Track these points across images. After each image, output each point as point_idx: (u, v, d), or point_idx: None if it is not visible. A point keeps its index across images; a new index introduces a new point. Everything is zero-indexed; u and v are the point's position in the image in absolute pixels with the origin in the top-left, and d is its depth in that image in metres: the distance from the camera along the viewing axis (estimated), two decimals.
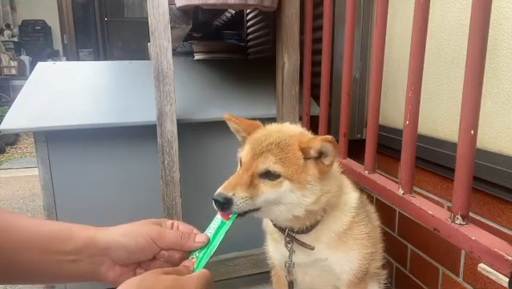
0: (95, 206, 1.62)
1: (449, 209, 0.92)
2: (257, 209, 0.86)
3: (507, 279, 0.73)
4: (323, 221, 0.99)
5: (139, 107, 1.64)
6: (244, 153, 0.90)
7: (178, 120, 1.49)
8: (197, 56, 2.28)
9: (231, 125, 1.03)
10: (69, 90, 1.70)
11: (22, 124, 1.50)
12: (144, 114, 1.59)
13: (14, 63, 7.29)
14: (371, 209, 1.19)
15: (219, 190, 0.81)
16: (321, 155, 0.89)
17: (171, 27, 1.43)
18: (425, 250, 1.47)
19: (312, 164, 0.89)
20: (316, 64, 1.65)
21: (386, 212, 1.56)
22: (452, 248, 1.32)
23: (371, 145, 1.21)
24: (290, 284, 1.06)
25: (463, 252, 1.28)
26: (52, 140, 1.56)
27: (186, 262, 0.73)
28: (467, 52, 0.80)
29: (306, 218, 0.95)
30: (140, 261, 0.71)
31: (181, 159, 1.51)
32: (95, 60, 6.97)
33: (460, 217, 0.85)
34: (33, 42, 7.54)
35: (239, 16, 3.11)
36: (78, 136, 1.58)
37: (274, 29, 1.75)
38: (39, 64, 1.86)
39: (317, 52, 1.63)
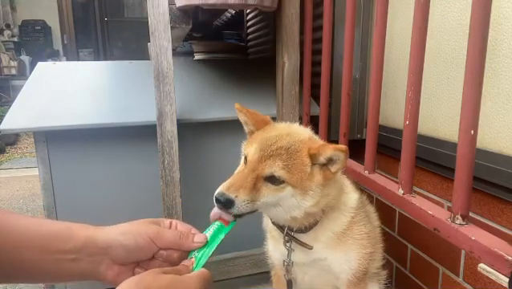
0: (95, 206, 1.62)
1: (449, 209, 0.92)
2: (255, 211, 0.86)
3: (507, 279, 0.73)
4: (322, 221, 0.99)
5: (139, 107, 1.64)
6: (251, 152, 0.88)
7: (178, 120, 1.49)
8: (197, 56, 2.28)
9: (241, 117, 1.02)
10: (69, 90, 1.70)
11: (22, 124, 1.50)
12: (144, 114, 1.59)
13: (14, 63, 7.28)
14: (371, 209, 1.19)
15: (222, 189, 0.81)
16: (329, 162, 0.88)
17: (171, 27, 1.43)
18: (425, 250, 1.47)
19: (318, 171, 0.89)
20: (316, 64, 1.65)
21: (386, 212, 1.56)
22: (452, 248, 1.32)
23: (371, 145, 1.21)
24: (289, 283, 1.06)
25: (463, 252, 1.28)
26: (52, 140, 1.56)
27: (185, 262, 0.73)
28: (467, 52, 0.80)
29: (305, 219, 0.94)
30: (138, 260, 0.72)
31: (181, 159, 1.51)
32: (95, 60, 6.97)
33: (460, 217, 0.85)
34: (33, 42, 7.54)
35: (239, 16, 3.11)
36: (78, 136, 1.58)
37: (274, 29, 1.75)
38: (39, 64, 1.86)
39: (317, 52, 1.63)
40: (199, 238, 0.75)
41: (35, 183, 3.53)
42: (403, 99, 1.01)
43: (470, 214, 0.87)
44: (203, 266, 0.72)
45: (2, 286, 1.75)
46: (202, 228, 0.79)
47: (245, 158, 0.90)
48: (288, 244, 1.00)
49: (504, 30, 1.05)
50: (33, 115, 1.53)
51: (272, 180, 0.85)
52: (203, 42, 2.52)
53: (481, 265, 0.79)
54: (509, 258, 0.73)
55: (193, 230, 0.77)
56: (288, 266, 1.02)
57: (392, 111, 1.59)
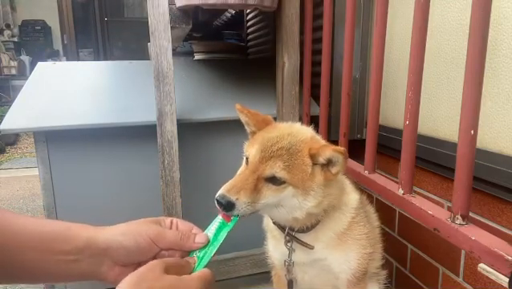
0: (95, 206, 1.62)
1: (449, 209, 0.92)
2: (257, 211, 0.86)
3: (507, 279, 0.73)
4: (323, 221, 0.99)
5: (139, 107, 1.64)
6: (252, 153, 0.88)
7: (178, 120, 1.49)
8: (197, 56, 2.28)
9: (242, 117, 1.01)
10: (69, 90, 1.70)
11: (22, 124, 1.50)
12: (144, 114, 1.59)
13: (14, 63, 7.29)
14: (371, 209, 1.19)
15: (223, 192, 0.81)
16: (329, 163, 0.88)
17: (171, 27, 1.43)
18: (425, 250, 1.47)
19: (319, 171, 0.89)
20: (316, 64, 1.65)
21: (386, 212, 1.56)
22: (452, 248, 1.32)
23: (371, 145, 1.21)
24: (290, 283, 1.06)
25: (463, 252, 1.28)
26: (52, 140, 1.56)
27: (188, 259, 0.72)
28: (467, 52, 0.80)
29: (307, 219, 0.94)
30: (140, 261, 0.71)
31: (181, 159, 1.51)
32: (95, 60, 6.97)
33: (460, 217, 0.85)
34: (33, 42, 7.54)
35: (239, 16, 3.11)
36: (78, 136, 1.58)
37: (274, 29, 1.75)
38: (39, 64, 1.86)
39: (317, 52, 1.63)
40: (200, 238, 0.74)
41: (35, 183, 3.53)
42: (403, 99, 1.01)
43: (470, 214, 0.87)
44: (205, 266, 0.72)
45: (2, 287, 1.75)
46: (202, 228, 0.79)
47: (247, 159, 0.90)
48: (289, 244, 1.00)
49: (504, 30, 1.05)
50: (33, 115, 1.53)
51: (273, 180, 0.85)
52: (203, 42, 2.52)
53: (481, 265, 0.79)
54: (509, 258, 0.73)
55: (194, 229, 0.77)
56: (289, 266, 1.02)
57: (392, 111, 1.59)
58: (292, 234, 0.99)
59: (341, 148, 0.85)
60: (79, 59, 7.29)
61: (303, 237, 0.99)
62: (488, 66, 1.01)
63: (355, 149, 1.51)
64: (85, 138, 1.59)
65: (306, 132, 0.97)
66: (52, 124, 1.51)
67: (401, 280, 1.63)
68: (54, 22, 7.65)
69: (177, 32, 1.64)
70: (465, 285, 1.27)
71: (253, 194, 0.82)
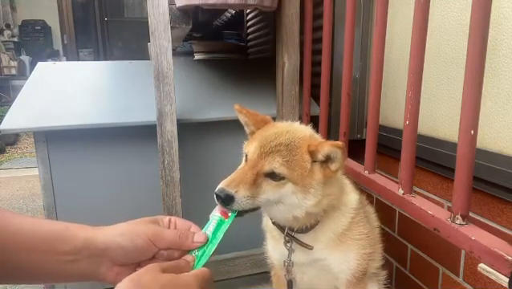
0: (95, 206, 1.62)
1: (449, 209, 0.92)
2: (257, 208, 0.86)
3: (507, 279, 0.73)
4: (323, 222, 0.99)
5: (139, 107, 1.64)
6: (251, 150, 0.88)
7: (178, 120, 1.49)
8: (197, 56, 2.28)
9: (241, 117, 1.02)
10: (69, 90, 1.70)
11: (22, 124, 1.50)
12: (144, 114, 1.59)
13: (14, 63, 7.29)
14: (370, 209, 1.19)
15: (222, 186, 0.81)
16: (328, 160, 0.88)
17: (171, 27, 1.43)
18: (425, 250, 1.47)
19: (318, 168, 0.89)
20: (316, 64, 1.65)
21: (386, 212, 1.56)
22: (452, 248, 1.32)
23: (371, 145, 1.21)
24: (289, 283, 1.06)
25: (463, 252, 1.28)
26: (52, 140, 1.56)
27: (187, 257, 0.72)
28: (467, 52, 0.80)
29: (306, 219, 0.94)
30: (138, 261, 0.71)
31: (181, 159, 1.51)
32: (95, 60, 6.97)
33: (460, 217, 0.85)
34: (33, 42, 7.54)
35: (239, 16, 3.12)
36: (78, 136, 1.58)
37: (274, 29, 1.75)
38: (39, 64, 1.86)
39: (317, 52, 1.63)
40: (199, 237, 0.74)
41: (35, 183, 3.53)
42: (403, 99, 1.01)
43: (470, 214, 0.87)
44: (204, 265, 0.71)
45: (2, 287, 1.75)
46: (202, 227, 0.79)
47: (246, 157, 0.90)
48: (288, 244, 1.00)
49: (504, 30, 1.05)
50: (33, 115, 1.53)
51: (272, 176, 0.85)
52: (203, 42, 2.52)
53: (481, 265, 0.79)
54: (509, 258, 0.73)
55: (193, 227, 0.76)
56: (289, 266, 1.02)
57: (392, 111, 1.59)
58: (292, 234, 0.99)
59: (339, 143, 0.85)
60: (79, 59, 7.29)
61: (303, 237, 0.99)
62: (488, 66, 1.01)
63: (355, 149, 1.51)
64: (85, 138, 1.59)
65: (304, 130, 0.97)
66: (52, 124, 1.51)
67: (401, 280, 1.63)
68: (54, 22, 7.65)
69: (177, 32, 1.64)
70: (465, 285, 1.27)
71: (252, 188, 0.82)
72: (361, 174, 1.24)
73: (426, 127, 1.36)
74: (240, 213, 0.82)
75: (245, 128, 1.03)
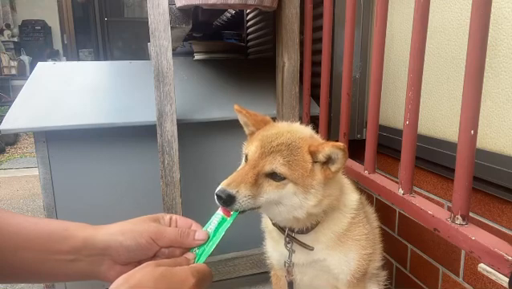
0: (95, 206, 1.63)
1: (449, 209, 0.92)
2: (257, 208, 0.86)
3: (507, 279, 0.73)
4: (323, 222, 0.99)
5: (139, 107, 1.64)
6: (252, 149, 0.88)
7: (178, 120, 1.49)
8: (197, 56, 2.28)
9: (241, 117, 1.02)
10: (69, 90, 1.70)
11: (22, 124, 1.50)
12: (144, 114, 1.59)
13: (14, 63, 7.29)
14: (370, 210, 1.19)
15: (222, 186, 0.80)
16: (329, 161, 0.88)
17: (171, 27, 1.43)
18: (425, 250, 1.47)
19: (319, 169, 0.88)
20: (316, 64, 1.65)
21: (386, 212, 1.56)
22: (452, 248, 1.32)
23: (371, 145, 1.21)
24: (290, 284, 1.06)
25: (463, 252, 1.28)
26: (52, 140, 1.56)
27: (187, 254, 0.72)
28: (467, 52, 0.80)
29: (307, 220, 0.94)
30: (140, 259, 0.71)
31: (181, 159, 1.51)
32: (95, 60, 6.97)
33: (460, 218, 0.85)
34: (33, 42, 7.54)
35: (239, 16, 3.12)
36: (78, 136, 1.58)
37: (274, 29, 1.75)
38: (39, 64, 1.86)
39: (317, 52, 1.63)
40: (200, 235, 0.74)
41: (35, 183, 3.53)
42: (403, 99, 1.01)
43: (470, 214, 0.87)
44: (204, 262, 0.71)
45: (2, 286, 1.75)
46: (202, 226, 0.79)
47: (246, 157, 0.90)
48: (289, 245, 1.00)
49: (504, 30, 1.05)
50: (33, 115, 1.53)
51: (273, 176, 0.85)
52: (203, 42, 2.53)
53: (481, 265, 0.79)
54: (510, 258, 0.73)
55: (194, 225, 0.76)
56: (289, 267, 1.02)
57: (392, 111, 1.59)
58: (292, 235, 0.99)
59: (341, 144, 0.85)
60: (79, 59, 7.29)
61: (303, 238, 0.99)
62: (488, 66, 1.01)
63: (355, 149, 1.52)
64: (85, 138, 1.59)
65: (305, 130, 0.97)
66: (52, 124, 1.51)
67: (401, 280, 1.63)
68: (54, 22, 7.65)
69: (177, 32, 1.64)
70: (465, 285, 1.27)
71: (253, 188, 0.82)
72: (361, 174, 1.24)
73: (426, 127, 1.37)
74: (241, 211, 0.82)
75: (245, 129, 1.03)
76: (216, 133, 1.72)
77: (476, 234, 0.81)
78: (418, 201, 0.99)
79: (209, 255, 0.73)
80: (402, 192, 1.04)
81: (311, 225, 0.97)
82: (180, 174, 1.51)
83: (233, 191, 0.79)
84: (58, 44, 7.80)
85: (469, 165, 0.82)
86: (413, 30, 0.96)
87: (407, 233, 1.57)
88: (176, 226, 0.76)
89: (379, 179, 1.18)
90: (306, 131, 0.97)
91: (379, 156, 1.53)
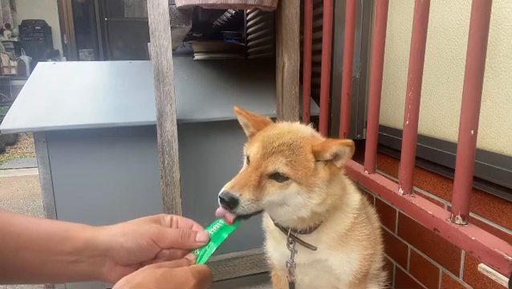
0: (95, 206, 1.63)
1: (449, 209, 0.92)
2: (261, 212, 0.85)
3: (507, 279, 0.73)
4: (326, 222, 0.98)
5: (139, 107, 1.64)
6: (254, 151, 0.88)
7: (178, 120, 1.49)
8: (197, 56, 2.28)
9: (240, 119, 1.01)
10: (69, 90, 1.70)
11: (22, 124, 1.50)
12: (144, 114, 1.59)
13: (14, 63, 7.29)
14: (372, 210, 1.19)
15: (226, 189, 0.80)
16: (335, 158, 0.88)
17: (171, 27, 1.43)
18: (425, 250, 1.47)
19: (322, 167, 0.88)
20: (316, 64, 1.65)
21: (386, 212, 1.56)
22: (452, 248, 1.32)
23: (371, 145, 1.21)
24: (291, 285, 1.06)
25: (463, 252, 1.28)
26: (52, 140, 1.56)
27: (188, 256, 0.72)
28: (467, 52, 0.80)
29: (311, 219, 0.94)
30: (141, 260, 0.71)
31: (181, 159, 1.51)
32: (95, 60, 6.97)
33: (460, 218, 0.85)
34: (33, 42, 7.54)
35: (239, 16, 3.12)
36: (78, 136, 1.58)
37: (274, 29, 1.75)
38: (39, 64, 1.86)
39: (317, 52, 1.63)
40: (201, 236, 0.74)
41: (35, 183, 3.53)
42: (403, 99, 1.01)
43: (470, 214, 0.87)
44: (205, 263, 0.71)
45: (2, 287, 1.75)
46: (203, 227, 0.79)
47: (248, 159, 0.90)
48: (291, 245, 0.99)
49: (504, 30, 1.05)
50: (33, 115, 1.53)
51: (276, 177, 0.84)
52: (203, 42, 2.53)
53: (481, 265, 0.79)
54: (510, 258, 0.73)
55: (195, 226, 0.76)
56: (291, 267, 1.01)
57: (392, 111, 1.59)
58: (294, 235, 0.99)
59: (348, 141, 0.85)
60: (79, 59, 7.29)
61: (305, 238, 0.99)
62: (488, 66, 1.01)
63: (355, 149, 1.51)
64: (85, 138, 1.59)
65: (305, 129, 0.97)
66: (52, 124, 1.51)
67: (401, 280, 1.63)
68: (54, 22, 7.65)
69: (177, 32, 1.64)
70: (465, 285, 1.27)
71: (256, 191, 0.81)
72: (361, 174, 1.24)
73: (426, 127, 1.36)
74: (244, 217, 0.81)
75: (245, 130, 1.03)
76: (216, 133, 1.72)
77: (476, 234, 0.81)
78: (418, 201, 0.99)
79: (210, 256, 0.73)
80: (402, 192, 1.04)
81: (314, 225, 0.97)
82: (180, 174, 1.51)
83: (236, 194, 0.79)
84: (58, 44, 7.80)
85: (469, 165, 0.82)
86: (413, 30, 0.96)
87: (407, 233, 1.57)
88: (177, 227, 0.75)
89: (379, 179, 1.18)
90: (307, 130, 0.97)
91: (379, 156, 1.53)
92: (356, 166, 1.30)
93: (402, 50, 1.51)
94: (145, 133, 1.59)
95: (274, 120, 1.04)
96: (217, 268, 1.68)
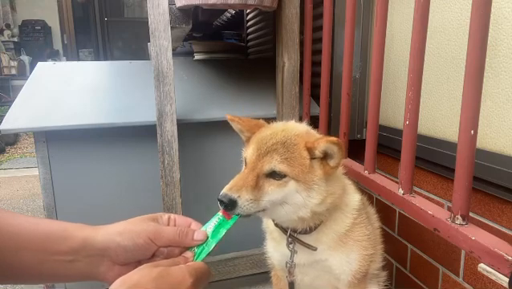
0: (95, 206, 1.62)
1: (449, 209, 0.92)
2: (262, 210, 0.86)
3: (507, 279, 0.73)
4: (326, 222, 0.99)
5: (139, 107, 1.64)
6: (249, 153, 0.89)
7: (178, 120, 1.49)
8: (197, 56, 2.28)
9: (234, 126, 1.02)
10: (69, 90, 1.70)
11: (22, 124, 1.50)
12: (144, 114, 1.59)
13: (14, 63, 7.29)
14: (372, 210, 1.19)
15: (224, 191, 0.81)
16: (326, 156, 0.88)
17: (171, 27, 1.43)
18: (425, 250, 1.47)
19: (318, 165, 0.88)
20: (316, 64, 1.65)
21: (386, 212, 1.56)
22: (452, 248, 1.32)
23: (371, 145, 1.21)
24: (291, 285, 1.06)
25: (463, 252, 1.28)
26: (52, 140, 1.56)
27: (186, 253, 0.72)
28: (467, 52, 0.80)
29: (311, 219, 0.94)
30: (139, 259, 0.71)
31: (181, 159, 1.51)
32: (95, 60, 6.97)
33: (460, 218, 0.85)
34: (33, 42, 7.54)
35: (239, 16, 3.12)
36: (78, 136, 1.58)
37: (274, 29, 1.75)
38: (39, 64, 1.86)
39: (317, 52, 1.63)
40: (199, 234, 0.74)
41: (35, 183, 3.53)
42: (403, 99, 1.00)
43: (470, 214, 0.87)
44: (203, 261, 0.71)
45: (1, 287, 1.75)
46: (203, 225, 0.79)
47: (245, 161, 0.90)
48: (291, 246, 0.99)
49: (504, 30, 1.05)
50: (33, 115, 1.53)
51: (273, 175, 0.85)
52: (203, 42, 2.53)
53: (481, 265, 0.79)
54: (510, 258, 0.73)
55: (193, 224, 0.76)
56: (291, 268, 1.01)
57: (392, 111, 1.59)
58: (294, 235, 0.99)
59: (334, 139, 0.84)
60: (79, 59, 7.29)
61: (305, 238, 0.99)
62: (488, 66, 1.01)
63: (355, 149, 1.52)
64: (85, 138, 1.59)
65: (300, 127, 0.97)
66: (52, 124, 1.51)
67: (401, 280, 1.63)
68: (54, 22, 7.65)
69: (177, 32, 1.64)
70: (465, 285, 1.27)
71: (254, 191, 0.82)
72: (361, 174, 1.24)
73: (426, 127, 1.36)
74: (245, 216, 0.82)
75: (241, 136, 1.03)
76: (216, 133, 1.71)
77: (476, 234, 0.81)
78: (418, 201, 0.99)
79: (209, 255, 0.73)
80: (402, 192, 1.04)
81: (315, 225, 0.97)
82: (180, 174, 1.51)
83: (234, 196, 0.80)
84: (58, 44, 7.80)
85: (469, 165, 0.82)
86: (413, 30, 0.95)
87: (407, 233, 1.57)
88: (175, 226, 0.75)
89: (379, 179, 1.18)
90: (302, 127, 0.97)
91: (379, 156, 1.53)
92: (356, 166, 1.30)
93: (402, 50, 1.51)
94: (145, 133, 1.59)
95: (274, 120, 1.04)
96: (217, 268, 1.68)
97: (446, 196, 1.33)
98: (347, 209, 1.02)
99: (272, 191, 0.84)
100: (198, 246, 0.73)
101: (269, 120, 1.07)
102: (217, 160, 1.72)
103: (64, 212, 1.60)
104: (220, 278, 1.70)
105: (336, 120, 1.61)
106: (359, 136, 1.76)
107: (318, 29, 1.64)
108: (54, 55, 7.47)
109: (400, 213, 1.60)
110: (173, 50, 1.61)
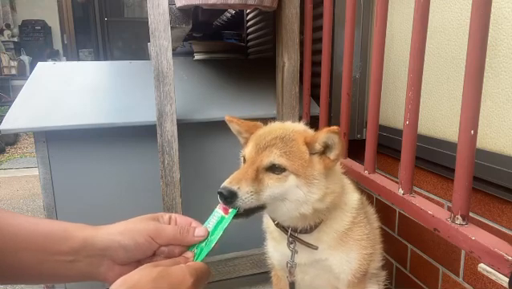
0: (95, 206, 1.62)
1: (449, 209, 0.92)
2: (263, 207, 0.86)
3: (507, 279, 0.73)
4: (326, 221, 0.99)
5: (139, 107, 1.64)
6: (248, 150, 0.90)
7: (178, 120, 1.49)
8: (197, 56, 2.28)
9: (233, 127, 1.03)
10: (69, 90, 1.70)
11: (22, 124, 1.50)
12: (144, 114, 1.59)
13: (14, 63, 7.29)
14: (371, 210, 1.19)
15: (224, 184, 0.81)
16: (326, 149, 0.89)
17: (171, 27, 1.43)
18: (425, 250, 1.47)
19: (317, 160, 0.89)
20: (316, 64, 1.65)
21: (386, 212, 1.56)
22: (452, 248, 1.32)
23: (371, 145, 1.21)
24: (292, 285, 1.06)
25: (463, 252, 1.28)
26: (52, 140, 1.56)
27: (186, 254, 0.72)
28: (467, 52, 0.80)
29: (312, 217, 0.94)
30: (139, 259, 0.71)
31: (181, 159, 1.51)
32: (95, 60, 6.97)
33: (460, 218, 0.85)
34: (33, 42, 7.54)
35: (239, 16, 3.12)
36: (78, 136, 1.58)
37: (274, 29, 1.75)
38: (39, 64, 1.86)
39: (317, 52, 1.63)
40: (200, 231, 0.74)
41: (35, 183, 3.53)
42: (403, 99, 1.01)
43: (470, 214, 0.87)
44: (203, 260, 0.71)
45: (1, 287, 1.75)
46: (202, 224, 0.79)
47: (244, 159, 0.91)
48: (292, 245, 1.00)
49: (504, 30, 1.05)
50: (33, 115, 1.53)
51: (273, 169, 0.85)
52: (203, 42, 2.53)
53: (481, 265, 0.79)
54: (510, 258, 0.73)
55: (194, 223, 0.76)
56: (291, 267, 1.02)
57: (392, 111, 1.59)
58: (295, 235, 0.99)
59: (334, 128, 0.85)
60: (79, 59, 7.29)
61: (306, 237, 0.99)
62: (488, 66, 1.01)
63: (355, 149, 1.52)
64: (85, 138, 1.59)
65: (297, 126, 1.00)
66: (52, 124, 1.51)
67: (401, 280, 1.63)
68: (54, 22, 7.65)
69: (177, 32, 1.64)
70: (465, 285, 1.27)
71: (254, 183, 0.82)
72: (361, 174, 1.24)
73: (426, 127, 1.37)
74: (246, 213, 0.82)
75: (239, 139, 1.04)
76: (216, 133, 1.71)
77: (476, 234, 0.81)
78: (418, 201, 0.99)
79: (208, 254, 0.73)
80: (402, 192, 1.04)
81: (315, 224, 0.97)
82: (180, 174, 1.51)
83: (234, 188, 0.80)
84: (58, 44, 7.80)
85: (469, 165, 0.82)
86: (413, 30, 0.96)
87: (407, 233, 1.57)
88: (176, 225, 0.75)
89: (379, 179, 1.18)
90: (299, 126, 0.99)
91: (379, 156, 1.53)
92: (356, 166, 1.30)
93: (402, 50, 1.51)
94: (145, 133, 1.59)
95: (274, 120, 1.04)
96: (217, 268, 1.68)
97: (446, 196, 1.33)
98: (347, 208, 1.02)
99: (272, 185, 0.85)
100: (198, 246, 0.73)
101: (269, 120, 1.08)
102: (217, 160, 1.72)
103: (64, 212, 1.60)
104: (220, 278, 1.70)
105: (336, 120, 1.61)
106: (359, 136, 1.76)
107: (318, 29, 1.64)
108: (54, 55, 7.47)
109: (400, 213, 1.60)
110: (173, 50, 1.62)
